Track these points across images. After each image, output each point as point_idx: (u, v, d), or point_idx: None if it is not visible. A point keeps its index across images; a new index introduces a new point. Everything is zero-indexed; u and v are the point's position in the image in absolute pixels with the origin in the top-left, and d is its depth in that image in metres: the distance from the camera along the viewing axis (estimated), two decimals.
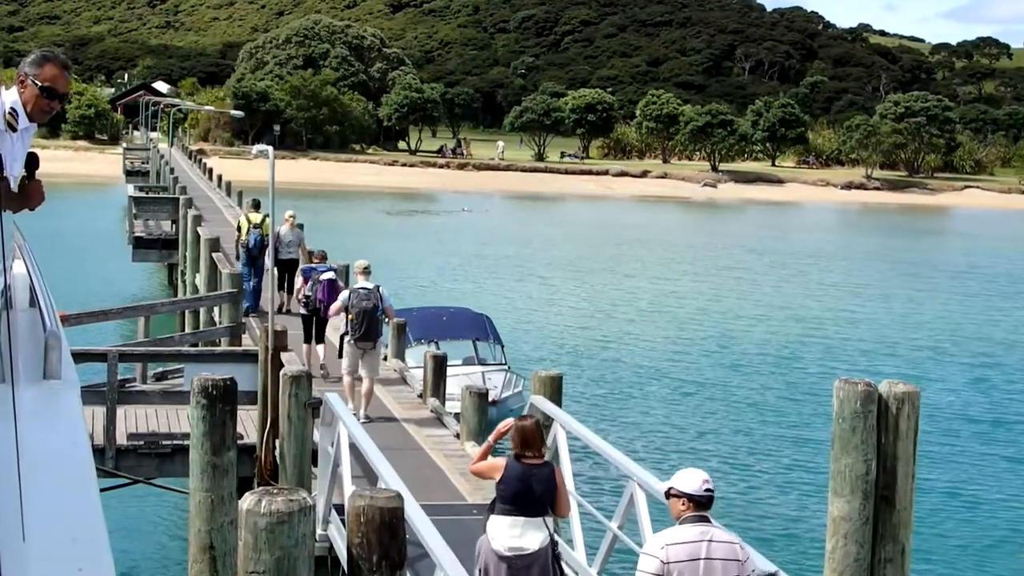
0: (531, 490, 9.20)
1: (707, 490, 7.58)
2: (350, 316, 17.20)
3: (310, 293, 20.04)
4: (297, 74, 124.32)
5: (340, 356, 18.04)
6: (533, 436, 9.46)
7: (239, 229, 26.61)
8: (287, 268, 25.13)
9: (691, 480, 7.60)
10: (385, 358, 20.42)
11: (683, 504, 7.60)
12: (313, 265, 21.09)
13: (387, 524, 7.81)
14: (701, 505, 7.57)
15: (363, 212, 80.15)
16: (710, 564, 7.42)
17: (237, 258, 26.99)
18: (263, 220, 25.68)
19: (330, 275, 20.14)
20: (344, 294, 17.76)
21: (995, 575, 19.45)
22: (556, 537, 9.57)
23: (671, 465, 23.66)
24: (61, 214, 57.25)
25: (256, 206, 26.76)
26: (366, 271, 17.68)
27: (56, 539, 2.49)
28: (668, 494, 7.73)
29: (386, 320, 18.33)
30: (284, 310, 24.54)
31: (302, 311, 20.58)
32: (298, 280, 22.07)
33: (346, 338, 17.44)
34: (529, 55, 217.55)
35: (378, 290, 17.37)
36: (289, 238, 25.35)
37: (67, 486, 2.74)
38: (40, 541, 2.46)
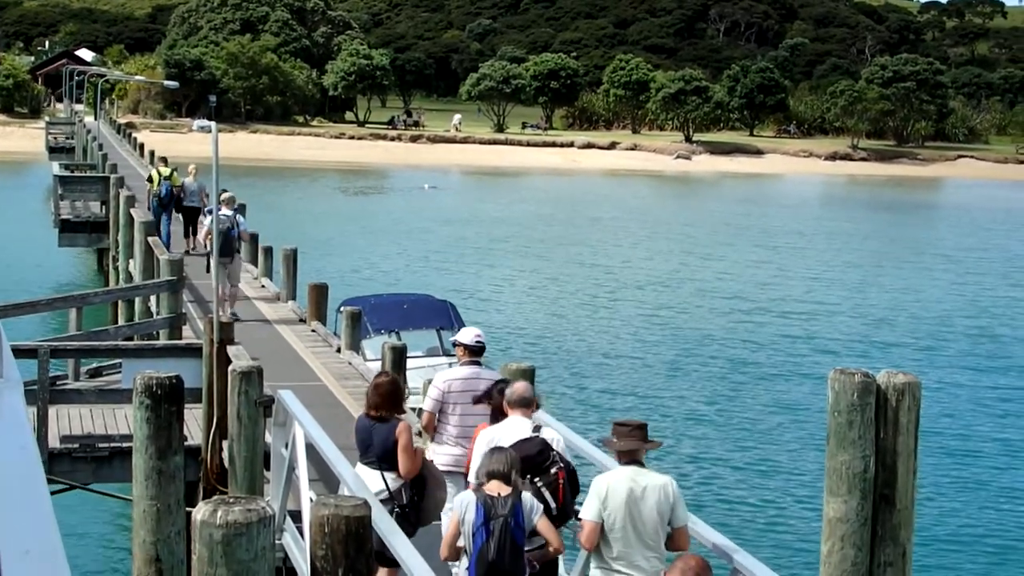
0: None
1: (478, 341, 11.17)
2: (210, 237, 21.92)
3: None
4: (234, 40, 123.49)
5: (207, 271, 24.07)
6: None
7: (151, 180, 33.13)
8: (190, 215, 31.52)
9: (466, 334, 11.33)
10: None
11: (462, 352, 11.23)
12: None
13: (354, 534, 7.78)
14: (474, 352, 11.15)
15: (310, 190, 79.79)
16: (478, 394, 10.74)
17: (149, 208, 32.50)
18: (172, 173, 32.53)
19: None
20: (207, 220, 23.41)
21: None
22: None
23: (653, 462, 23.75)
24: None
25: (164, 161, 33.91)
26: (228, 201, 23.71)
27: (8, 552, 2.47)
28: (455, 344, 11.55)
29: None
30: (190, 251, 29.73)
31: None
32: (203, 220, 27.48)
33: (211, 256, 22.57)
34: (486, 17, 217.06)
35: (235, 216, 23.61)
36: (192, 188, 31.99)
37: (16, 494, 2.71)
38: None
